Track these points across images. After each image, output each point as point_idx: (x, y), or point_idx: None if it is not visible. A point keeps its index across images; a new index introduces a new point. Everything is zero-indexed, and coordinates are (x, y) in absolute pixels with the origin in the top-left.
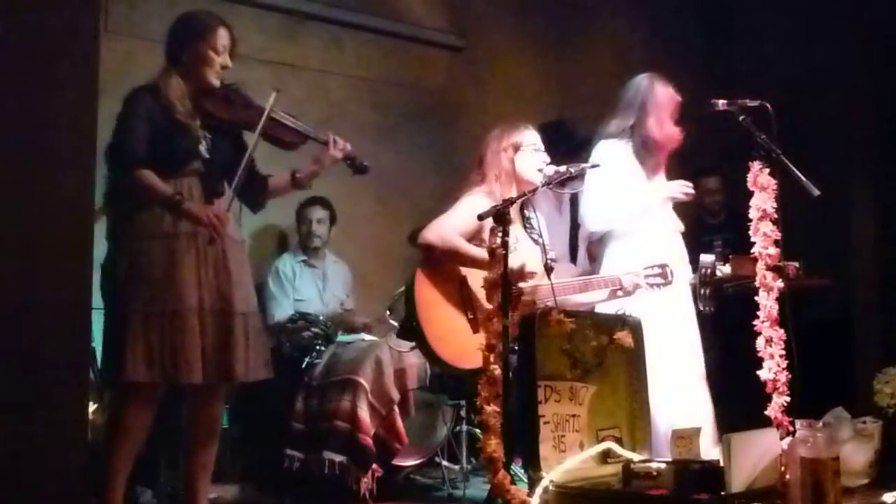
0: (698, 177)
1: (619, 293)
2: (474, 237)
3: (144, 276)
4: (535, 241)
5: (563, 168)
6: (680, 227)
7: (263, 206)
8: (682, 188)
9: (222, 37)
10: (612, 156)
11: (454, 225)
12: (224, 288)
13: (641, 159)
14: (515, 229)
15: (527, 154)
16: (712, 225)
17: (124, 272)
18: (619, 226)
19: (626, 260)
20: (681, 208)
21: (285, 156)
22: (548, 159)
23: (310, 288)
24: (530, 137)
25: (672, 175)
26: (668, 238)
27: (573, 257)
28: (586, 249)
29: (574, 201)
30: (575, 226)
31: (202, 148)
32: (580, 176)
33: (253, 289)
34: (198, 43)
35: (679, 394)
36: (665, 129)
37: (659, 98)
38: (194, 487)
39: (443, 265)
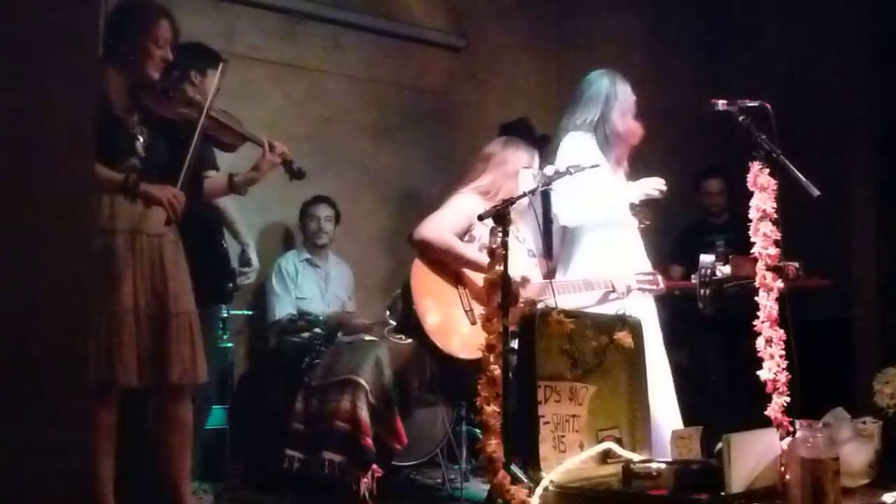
0: (701, 178)
1: (613, 296)
2: (465, 234)
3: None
4: (521, 243)
5: (562, 168)
6: (635, 223)
7: (197, 207)
8: (657, 185)
9: (164, 29)
10: (582, 148)
11: (447, 223)
12: (160, 288)
13: (605, 153)
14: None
15: (527, 173)
16: (715, 225)
17: None
18: (593, 220)
19: (599, 255)
20: (684, 208)
21: (224, 156)
22: (535, 185)
23: (312, 287)
24: (535, 160)
25: (677, 175)
26: (635, 235)
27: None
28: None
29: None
30: (547, 220)
31: (138, 144)
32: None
33: (190, 288)
34: (138, 35)
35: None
36: (628, 123)
37: (620, 94)
38: (178, 493)
39: (438, 259)
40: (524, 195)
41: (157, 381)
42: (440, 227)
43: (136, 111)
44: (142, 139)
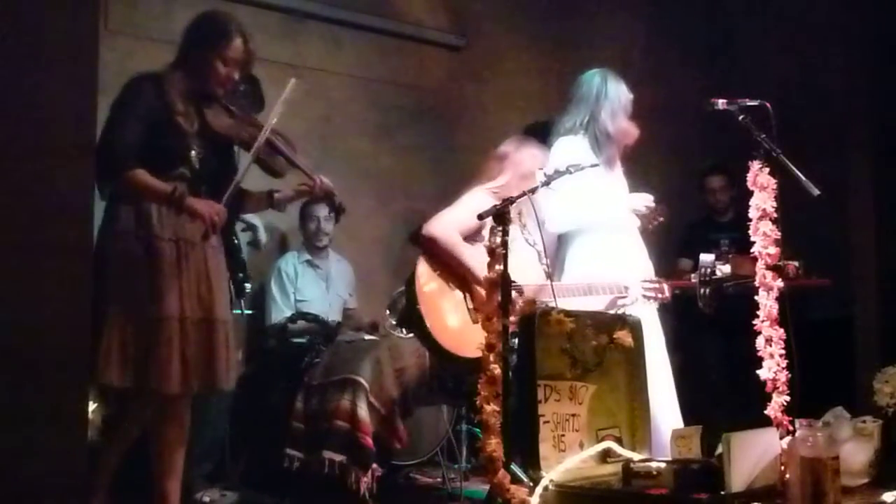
0: (703, 175)
1: (621, 301)
2: (476, 233)
3: (124, 279)
4: (531, 246)
5: (563, 167)
6: (636, 222)
7: (238, 219)
8: (645, 202)
9: (235, 49)
10: (572, 152)
11: (457, 221)
12: (206, 296)
13: (597, 154)
14: (513, 230)
15: (542, 174)
16: (721, 224)
17: (103, 271)
18: (580, 225)
19: (591, 261)
20: (686, 207)
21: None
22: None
23: (313, 288)
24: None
25: (678, 174)
26: (630, 235)
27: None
28: None
29: None
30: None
31: (193, 155)
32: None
33: (228, 296)
34: (207, 49)
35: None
36: (618, 123)
37: (612, 93)
38: (167, 491)
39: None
40: (524, 194)
41: (201, 389)
42: (449, 225)
43: (197, 122)
44: (196, 151)
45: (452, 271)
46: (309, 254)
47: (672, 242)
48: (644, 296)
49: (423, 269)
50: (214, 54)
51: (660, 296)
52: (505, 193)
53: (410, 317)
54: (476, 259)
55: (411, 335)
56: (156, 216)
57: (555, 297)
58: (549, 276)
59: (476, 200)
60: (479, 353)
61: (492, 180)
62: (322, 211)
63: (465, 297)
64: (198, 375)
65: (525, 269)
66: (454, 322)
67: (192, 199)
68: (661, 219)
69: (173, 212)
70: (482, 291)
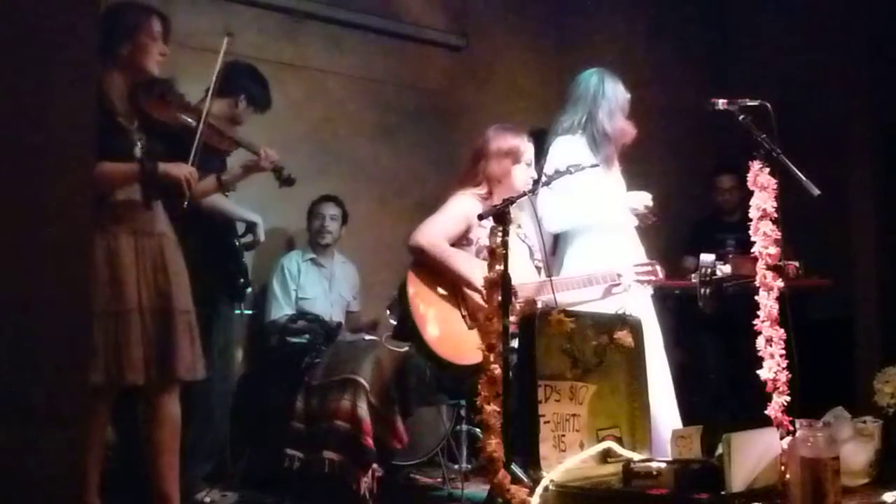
0: (713, 174)
1: (616, 289)
2: (463, 237)
3: None
4: (522, 241)
5: (562, 168)
6: (634, 221)
7: (187, 208)
8: (643, 201)
9: (156, 22)
10: (569, 152)
11: (443, 228)
12: (164, 286)
13: (595, 154)
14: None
15: (523, 166)
16: (728, 224)
17: None
18: (577, 224)
19: (589, 260)
20: (686, 206)
21: None
22: (535, 176)
23: (316, 287)
24: (530, 151)
25: (678, 173)
26: (627, 233)
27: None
28: None
29: None
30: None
31: (136, 150)
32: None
33: (189, 287)
34: (135, 33)
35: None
36: (616, 122)
37: (608, 92)
38: (165, 492)
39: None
40: (524, 195)
41: (161, 379)
42: (435, 233)
43: (136, 116)
44: (140, 144)
45: (443, 279)
46: (313, 252)
47: (673, 243)
48: (637, 280)
49: (414, 280)
50: (140, 33)
51: (653, 278)
52: (490, 190)
53: (406, 328)
54: (466, 263)
55: (407, 348)
56: (110, 210)
57: (554, 293)
58: (542, 271)
59: (462, 205)
60: (476, 359)
61: (475, 187)
62: (328, 209)
63: (458, 304)
64: (158, 366)
65: (516, 266)
66: (449, 330)
67: (164, 164)
68: (656, 219)
69: (148, 184)
70: (475, 296)
